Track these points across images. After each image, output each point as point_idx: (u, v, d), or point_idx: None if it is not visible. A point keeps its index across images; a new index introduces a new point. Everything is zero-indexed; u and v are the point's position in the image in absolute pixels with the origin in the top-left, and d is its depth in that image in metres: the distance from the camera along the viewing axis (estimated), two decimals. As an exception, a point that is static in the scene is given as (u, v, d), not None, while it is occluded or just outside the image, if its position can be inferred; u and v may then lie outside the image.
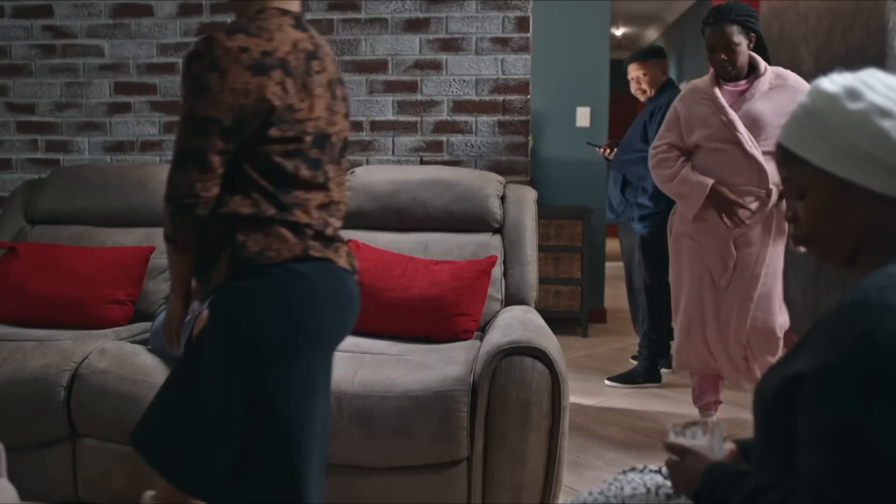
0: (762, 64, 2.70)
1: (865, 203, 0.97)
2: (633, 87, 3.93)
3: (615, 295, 5.73)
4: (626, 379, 3.82)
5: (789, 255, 4.62)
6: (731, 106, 2.65)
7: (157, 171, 3.04)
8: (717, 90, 2.69)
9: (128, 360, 2.30)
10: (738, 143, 2.61)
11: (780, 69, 2.71)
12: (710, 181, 2.64)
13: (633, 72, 3.89)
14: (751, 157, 2.61)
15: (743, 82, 2.70)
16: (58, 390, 2.25)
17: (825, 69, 1.06)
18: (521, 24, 3.11)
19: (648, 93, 3.88)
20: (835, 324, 0.91)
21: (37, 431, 2.23)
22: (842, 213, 0.99)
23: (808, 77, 1.00)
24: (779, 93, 2.65)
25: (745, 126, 2.62)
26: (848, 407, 0.86)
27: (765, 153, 2.62)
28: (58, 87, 3.35)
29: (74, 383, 2.27)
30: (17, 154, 3.41)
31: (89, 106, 3.33)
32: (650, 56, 3.87)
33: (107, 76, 3.32)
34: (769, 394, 0.99)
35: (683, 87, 3.97)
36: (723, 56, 2.64)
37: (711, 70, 2.76)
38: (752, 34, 2.67)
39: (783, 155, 1.05)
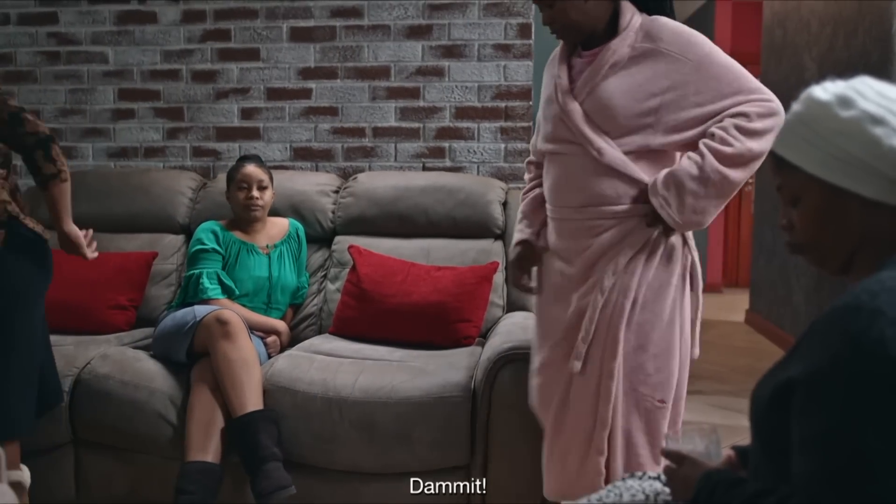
0: (627, 15, 1.74)
1: (858, 209, 0.98)
2: None
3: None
4: None
5: (792, 261, 4.62)
6: (580, 85, 1.74)
7: (160, 177, 3.05)
8: (564, 64, 1.80)
9: (130, 365, 2.30)
10: (581, 145, 1.72)
11: (658, 22, 1.75)
12: (524, 236, 1.90)
13: None
14: (601, 165, 1.70)
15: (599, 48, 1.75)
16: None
17: (828, 75, 1.06)
18: (524, 30, 3.11)
19: None
20: (826, 329, 0.91)
21: (39, 436, 2.23)
22: (835, 219, 1.00)
23: (812, 83, 0.95)
24: (643, 62, 1.71)
25: (594, 115, 1.71)
26: (838, 412, 0.86)
27: (628, 153, 1.70)
28: (62, 93, 3.36)
29: (76, 388, 2.27)
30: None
31: (93, 112, 3.34)
32: None
33: (111, 82, 3.33)
34: (763, 400, 0.99)
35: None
36: (547, 15, 1.75)
37: None
38: None
39: (776, 162, 1.05)
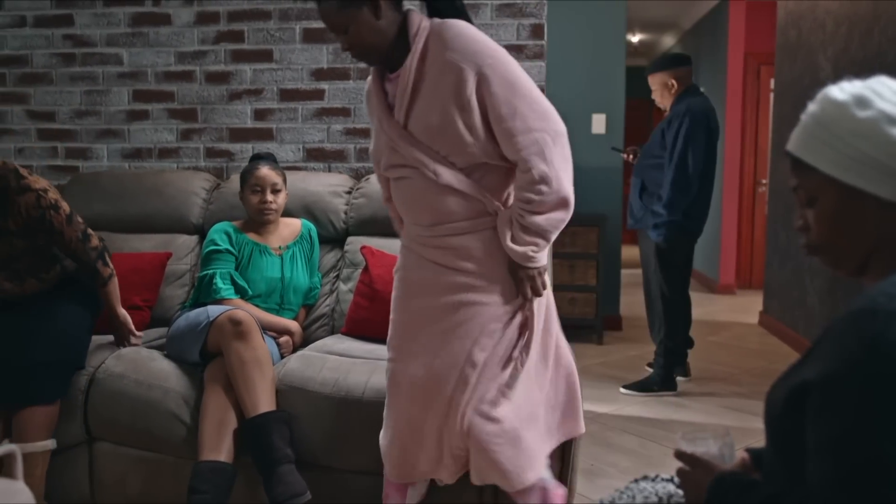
0: (413, 26, 1.70)
1: (875, 211, 0.97)
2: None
3: (630, 302, 5.70)
4: (642, 387, 3.80)
5: (806, 262, 4.59)
6: (397, 110, 1.74)
7: (174, 178, 3.07)
8: (378, 87, 1.79)
9: (144, 364, 2.32)
10: (418, 168, 1.73)
11: (445, 27, 1.68)
12: None
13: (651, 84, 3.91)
14: (441, 185, 1.71)
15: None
16: (75, 394, 2.28)
17: (843, 75, 1.05)
18: (536, 31, 3.11)
19: (659, 103, 3.91)
20: (842, 331, 0.90)
21: (54, 435, 2.25)
22: (851, 220, 0.99)
23: (827, 83, 0.94)
24: (438, 74, 1.67)
25: (419, 136, 1.71)
26: (854, 416, 0.85)
27: (465, 168, 1.72)
28: (77, 94, 3.39)
29: (91, 387, 2.29)
30: (38, 161, 3.46)
31: (108, 113, 3.37)
32: (653, 69, 3.88)
33: (125, 84, 3.36)
34: (778, 403, 0.98)
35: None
36: (344, 45, 1.72)
37: None
38: None
39: (792, 163, 1.04)
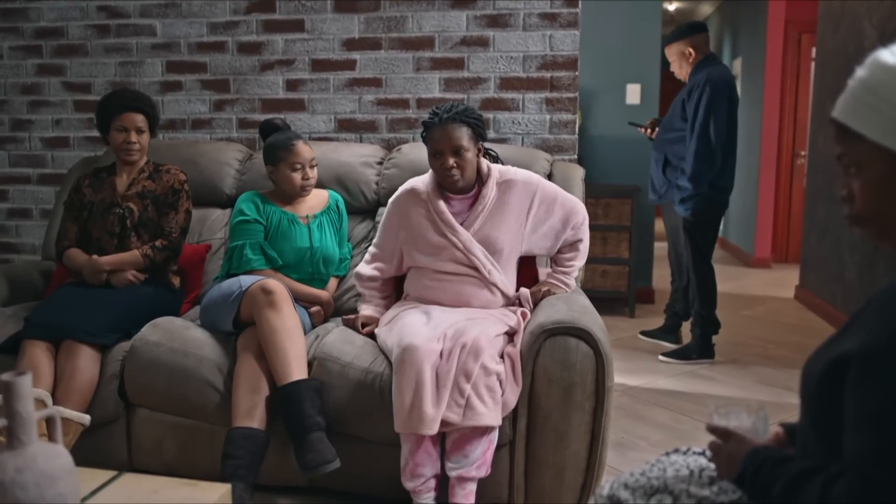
0: (484, 163, 2.36)
1: None
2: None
3: (663, 275, 5.64)
4: (681, 354, 3.82)
5: (845, 237, 4.49)
6: (469, 222, 2.32)
7: (208, 148, 3.09)
8: (442, 203, 2.33)
9: (179, 333, 2.35)
10: (476, 269, 2.29)
11: (503, 169, 2.38)
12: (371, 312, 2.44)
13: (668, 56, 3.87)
14: (487, 281, 2.30)
15: (471, 192, 2.35)
16: (113, 364, 2.32)
17: (890, 42, 1.01)
18: (570, -2, 3.05)
19: (677, 74, 3.86)
20: (885, 304, 0.88)
21: (94, 404, 2.30)
22: None
23: (872, 51, 0.91)
24: (506, 197, 2.32)
25: (483, 245, 2.30)
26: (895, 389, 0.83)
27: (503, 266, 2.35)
28: (112, 66, 3.42)
29: (129, 355, 2.33)
30: (75, 132, 3.51)
31: (142, 84, 3.39)
32: (669, 40, 3.81)
33: (159, 55, 3.37)
34: (815, 375, 0.96)
35: (737, 64, 3.87)
36: (451, 161, 2.24)
37: (432, 174, 2.36)
38: (482, 143, 2.32)
39: (837, 130, 1.01)
